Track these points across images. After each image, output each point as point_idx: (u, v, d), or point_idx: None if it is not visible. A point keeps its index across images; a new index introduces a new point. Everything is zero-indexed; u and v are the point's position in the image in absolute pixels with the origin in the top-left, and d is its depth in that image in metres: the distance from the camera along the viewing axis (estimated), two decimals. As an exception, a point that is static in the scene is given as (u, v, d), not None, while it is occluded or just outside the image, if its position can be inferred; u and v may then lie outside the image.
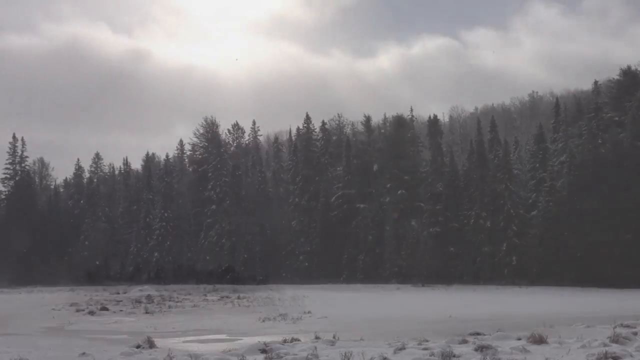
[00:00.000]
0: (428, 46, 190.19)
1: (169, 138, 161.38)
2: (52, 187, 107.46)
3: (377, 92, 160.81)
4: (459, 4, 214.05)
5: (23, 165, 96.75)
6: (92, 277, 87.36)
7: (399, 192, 73.50)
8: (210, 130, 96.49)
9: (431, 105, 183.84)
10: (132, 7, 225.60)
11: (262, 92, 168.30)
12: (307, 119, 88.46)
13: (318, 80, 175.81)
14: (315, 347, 16.50)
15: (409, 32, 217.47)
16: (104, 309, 37.29)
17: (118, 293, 59.64)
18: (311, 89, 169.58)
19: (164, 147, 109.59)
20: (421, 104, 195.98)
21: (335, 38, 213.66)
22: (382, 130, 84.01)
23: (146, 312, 35.20)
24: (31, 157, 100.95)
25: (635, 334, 18.59)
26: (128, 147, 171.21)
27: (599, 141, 61.51)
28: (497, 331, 19.46)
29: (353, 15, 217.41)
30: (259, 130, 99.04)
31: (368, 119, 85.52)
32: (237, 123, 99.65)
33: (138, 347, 18.37)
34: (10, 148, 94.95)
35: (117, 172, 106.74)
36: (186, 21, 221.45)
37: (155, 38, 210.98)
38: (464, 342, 17.53)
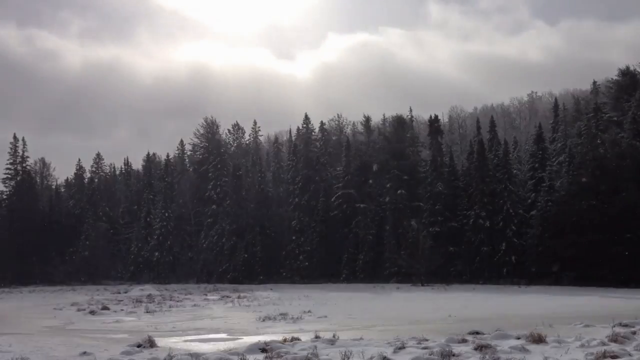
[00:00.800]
0: (341, 47, 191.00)
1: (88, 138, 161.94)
2: (53, 187, 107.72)
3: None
4: (363, 5, 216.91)
5: (24, 165, 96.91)
6: (93, 276, 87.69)
7: (399, 191, 73.58)
8: (210, 130, 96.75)
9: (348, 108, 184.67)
10: (42, 5, 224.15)
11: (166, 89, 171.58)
12: (306, 119, 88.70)
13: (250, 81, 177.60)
14: (316, 347, 16.60)
15: (319, 34, 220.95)
16: (105, 308, 37.42)
17: (119, 292, 59.86)
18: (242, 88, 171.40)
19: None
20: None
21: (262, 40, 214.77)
22: (382, 130, 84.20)
23: (147, 312, 35.34)
24: (30, 157, 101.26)
25: (634, 333, 18.61)
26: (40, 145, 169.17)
27: (598, 141, 61.56)
28: (496, 330, 19.50)
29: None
30: (259, 130, 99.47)
31: (367, 119, 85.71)
32: (237, 123, 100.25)
33: (139, 346, 18.45)
34: (11, 148, 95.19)
35: (117, 172, 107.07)
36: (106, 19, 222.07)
37: (70, 36, 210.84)
38: (464, 341, 17.60)
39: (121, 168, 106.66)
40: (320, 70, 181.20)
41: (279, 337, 19.24)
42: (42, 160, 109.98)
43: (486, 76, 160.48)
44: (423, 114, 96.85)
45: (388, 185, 74.96)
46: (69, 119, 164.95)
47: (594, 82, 77.99)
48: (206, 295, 53.01)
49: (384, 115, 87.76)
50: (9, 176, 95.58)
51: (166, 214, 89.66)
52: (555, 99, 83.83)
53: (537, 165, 68.40)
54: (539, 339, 17.06)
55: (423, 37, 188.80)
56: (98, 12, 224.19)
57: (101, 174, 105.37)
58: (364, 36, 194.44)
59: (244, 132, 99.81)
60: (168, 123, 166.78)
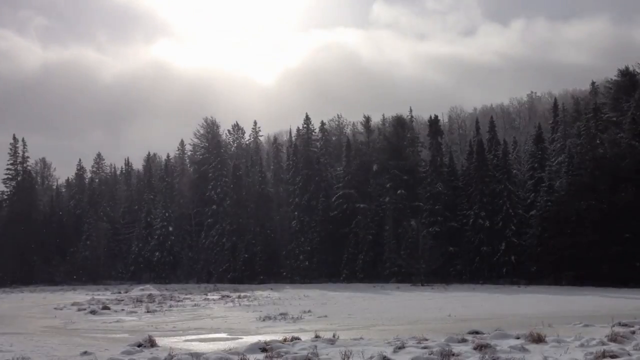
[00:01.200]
0: (302, 47, 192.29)
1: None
2: (54, 187, 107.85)
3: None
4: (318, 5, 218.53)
5: (25, 165, 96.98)
6: (94, 276, 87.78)
7: (399, 191, 73.66)
8: (210, 131, 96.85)
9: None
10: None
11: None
12: (307, 120, 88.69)
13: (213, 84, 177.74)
14: (316, 346, 16.66)
15: (278, 33, 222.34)
16: (106, 308, 37.45)
17: (120, 292, 59.90)
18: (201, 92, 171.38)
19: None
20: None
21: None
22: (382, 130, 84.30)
23: (147, 311, 35.40)
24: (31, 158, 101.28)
25: (633, 332, 18.68)
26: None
27: (597, 141, 61.65)
28: (496, 330, 19.55)
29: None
30: (259, 130, 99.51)
31: (367, 120, 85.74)
32: (237, 124, 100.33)
33: (139, 345, 18.49)
34: (11, 149, 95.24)
35: (118, 172, 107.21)
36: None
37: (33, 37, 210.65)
38: (463, 340, 17.65)
39: (122, 168, 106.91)
40: (284, 70, 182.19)
41: (279, 337, 19.30)
42: (43, 161, 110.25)
43: (449, 75, 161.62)
44: (422, 115, 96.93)
45: (388, 185, 75.04)
46: (32, 117, 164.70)
47: (593, 83, 78.18)
48: (206, 295, 53.04)
49: (383, 115, 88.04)
50: (10, 176, 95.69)
51: (166, 214, 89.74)
52: (555, 100, 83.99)
53: (536, 165, 68.51)
54: (538, 339, 17.13)
55: (376, 36, 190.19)
56: (56, 9, 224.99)
57: (102, 174, 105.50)
58: (322, 35, 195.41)
59: (244, 132, 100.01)
60: (131, 123, 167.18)
